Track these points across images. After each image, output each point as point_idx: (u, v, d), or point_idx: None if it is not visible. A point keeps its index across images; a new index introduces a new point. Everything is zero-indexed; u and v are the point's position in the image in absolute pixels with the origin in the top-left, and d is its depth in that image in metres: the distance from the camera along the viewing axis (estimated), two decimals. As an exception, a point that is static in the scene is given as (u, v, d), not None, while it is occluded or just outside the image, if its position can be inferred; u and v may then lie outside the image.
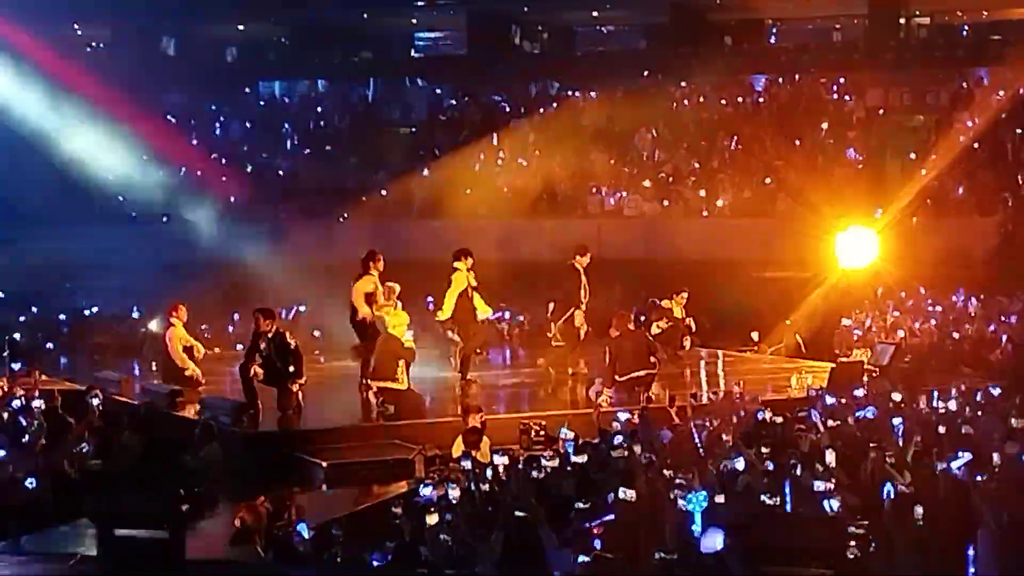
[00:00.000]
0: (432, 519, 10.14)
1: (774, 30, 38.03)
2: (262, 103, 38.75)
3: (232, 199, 30.89)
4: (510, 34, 37.79)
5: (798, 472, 11.16)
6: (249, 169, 33.73)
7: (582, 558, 9.26)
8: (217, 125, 36.83)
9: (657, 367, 17.27)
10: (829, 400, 15.10)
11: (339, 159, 34.37)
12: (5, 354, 19.35)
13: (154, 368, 19.41)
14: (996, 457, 11.50)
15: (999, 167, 27.75)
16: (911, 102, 31.78)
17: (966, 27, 36.21)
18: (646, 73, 33.92)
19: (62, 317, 24.48)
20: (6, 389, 16.06)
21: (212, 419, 15.10)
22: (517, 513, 10.07)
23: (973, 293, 22.81)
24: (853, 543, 9.48)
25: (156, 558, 7.40)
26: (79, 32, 38.67)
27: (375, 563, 9.67)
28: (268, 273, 23.56)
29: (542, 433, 14.65)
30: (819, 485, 10.50)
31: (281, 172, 34.49)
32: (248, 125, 36.77)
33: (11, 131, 28.39)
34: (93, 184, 29.42)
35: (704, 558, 8.83)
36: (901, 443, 12.60)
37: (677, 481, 10.63)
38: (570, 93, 34.77)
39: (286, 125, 36.63)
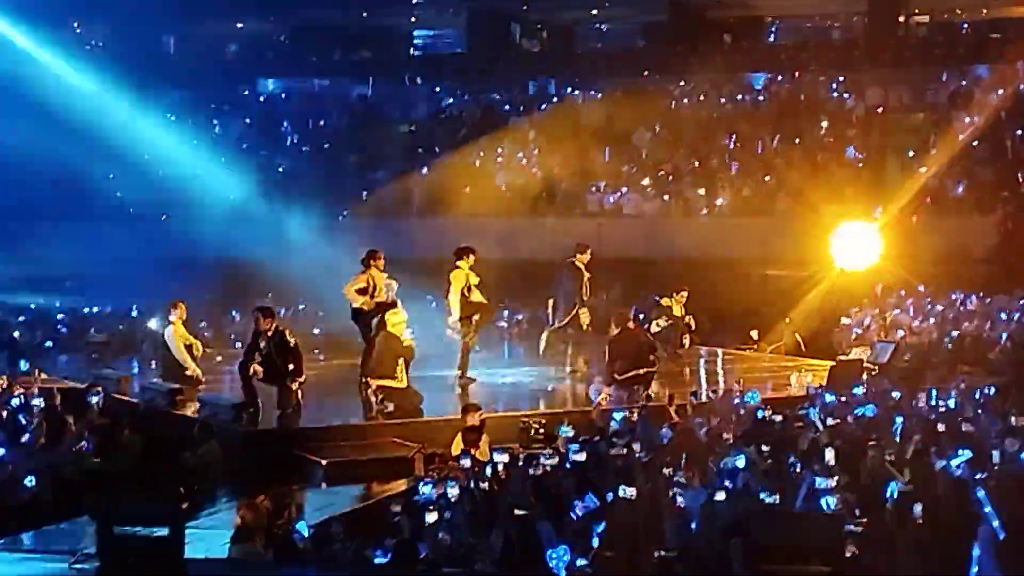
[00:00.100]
0: (431, 517, 10.16)
1: (773, 28, 37.95)
2: (261, 101, 38.73)
3: (231, 197, 30.85)
4: (509, 32, 37.76)
5: (798, 470, 11.17)
6: (248, 167, 33.69)
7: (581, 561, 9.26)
8: (216, 123, 36.82)
9: (656, 365, 17.29)
10: (828, 398, 15.12)
11: (338, 157, 34.35)
12: (4, 352, 19.36)
13: (153, 366, 19.41)
14: (996, 455, 11.52)
15: (999, 165, 27.68)
16: (911, 100, 31.69)
17: (966, 25, 36.10)
18: (645, 71, 33.91)
19: (61, 315, 24.48)
20: (5, 387, 16.02)
21: (211, 417, 15.10)
22: (516, 511, 10.07)
23: (973, 291, 22.81)
24: (852, 541, 9.49)
25: (156, 556, 7.39)
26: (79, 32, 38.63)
27: (375, 561, 9.67)
28: (267, 272, 23.54)
29: (542, 431, 14.66)
30: (819, 483, 10.51)
31: (280, 170, 34.47)
32: (247, 123, 36.75)
33: (10, 128, 28.39)
34: (92, 182, 29.43)
35: (704, 557, 8.84)
36: (900, 441, 12.62)
37: (677, 479, 10.65)
38: (570, 91, 34.79)
39: (285, 123, 36.62)
